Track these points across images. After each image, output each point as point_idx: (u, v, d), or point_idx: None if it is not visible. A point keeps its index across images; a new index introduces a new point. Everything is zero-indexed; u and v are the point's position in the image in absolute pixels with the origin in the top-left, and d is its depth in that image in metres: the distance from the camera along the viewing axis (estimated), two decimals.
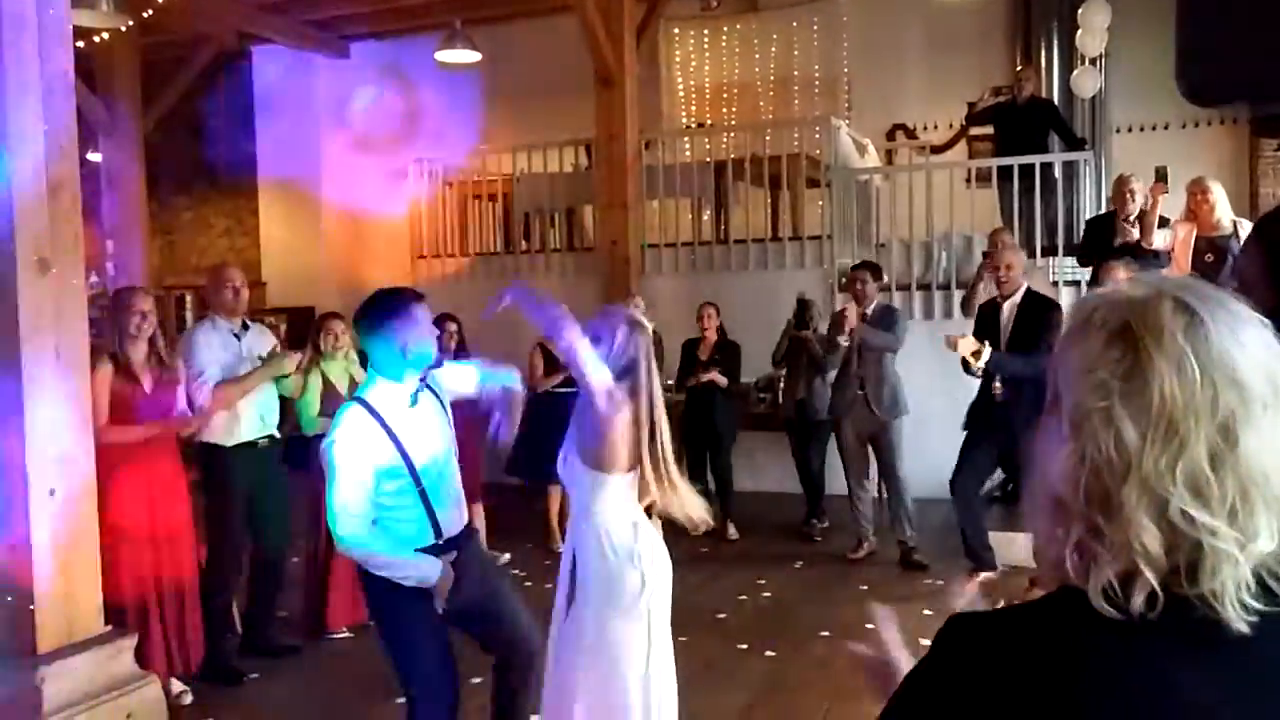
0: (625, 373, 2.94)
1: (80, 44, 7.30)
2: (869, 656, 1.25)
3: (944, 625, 0.92)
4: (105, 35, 7.54)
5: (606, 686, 2.88)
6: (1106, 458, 0.83)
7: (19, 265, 3.77)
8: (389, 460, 2.96)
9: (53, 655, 3.76)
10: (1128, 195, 6.56)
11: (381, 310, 3.02)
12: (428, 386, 3.14)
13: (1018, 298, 5.58)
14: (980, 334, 5.55)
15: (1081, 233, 7.34)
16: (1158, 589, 0.82)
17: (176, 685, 4.35)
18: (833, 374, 6.58)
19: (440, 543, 3.05)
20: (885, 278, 7.21)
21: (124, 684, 3.96)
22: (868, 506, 6.42)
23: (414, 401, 3.05)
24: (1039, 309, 5.52)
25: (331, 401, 5.15)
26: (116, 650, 3.99)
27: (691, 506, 3.04)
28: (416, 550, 3.00)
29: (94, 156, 9.65)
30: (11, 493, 3.77)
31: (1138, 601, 0.82)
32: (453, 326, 6.29)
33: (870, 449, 6.37)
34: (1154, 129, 10.11)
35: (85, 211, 9.57)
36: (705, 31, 10.52)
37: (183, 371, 4.49)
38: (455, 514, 3.13)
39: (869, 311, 6.29)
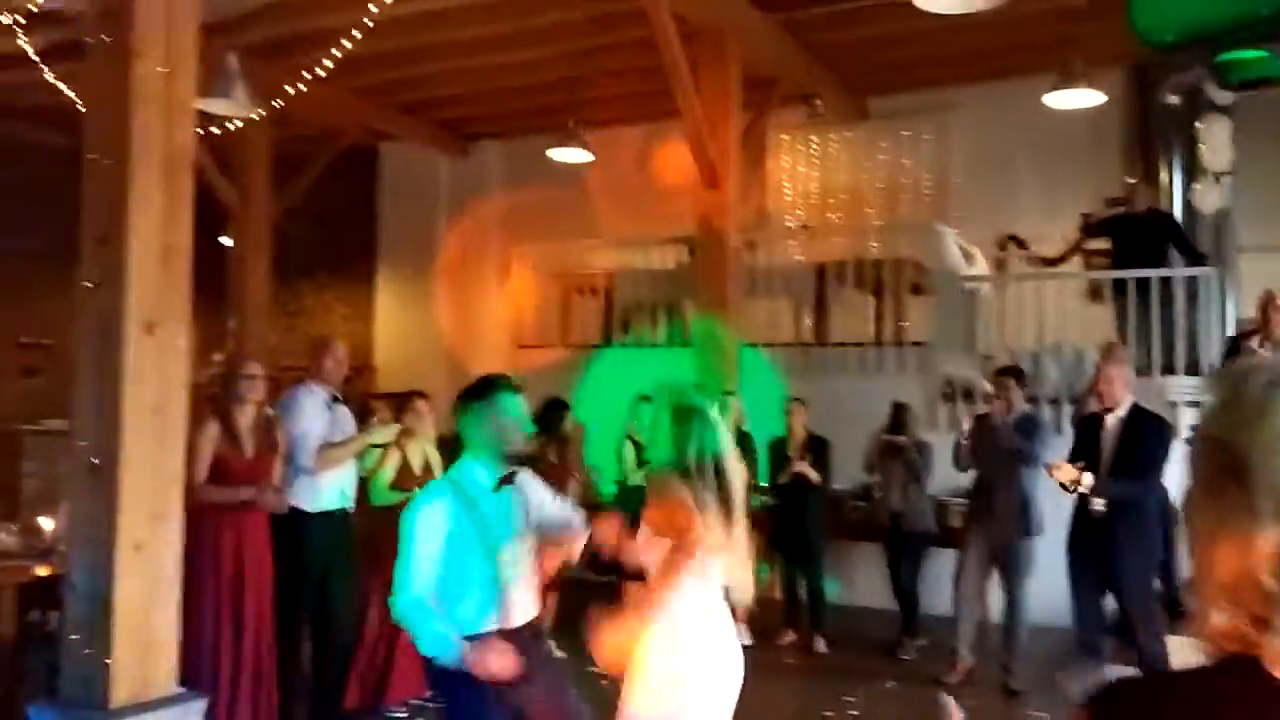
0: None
1: (215, 130, 7.77)
2: None
3: (1103, 689, 0.87)
4: (239, 124, 8.00)
5: None
6: None
7: (126, 323, 3.96)
8: (467, 538, 2.99)
9: (124, 711, 3.81)
10: (1272, 314, 6.27)
11: (473, 393, 3.16)
12: (513, 482, 3.17)
13: (1122, 413, 5.32)
14: (1080, 448, 5.34)
15: (1220, 351, 7.07)
16: None
17: None
18: (929, 481, 6.37)
19: (503, 629, 3.03)
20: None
21: None
22: (971, 626, 6.06)
23: (496, 487, 3.11)
24: (1147, 426, 5.27)
25: (405, 479, 5.25)
26: (185, 713, 4.02)
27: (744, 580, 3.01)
28: (481, 634, 2.98)
29: (225, 240, 10.15)
30: (100, 544, 3.88)
31: None
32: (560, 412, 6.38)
33: (995, 566, 6.02)
34: None
35: (213, 291, 10.02)
36: (813, 138, 10.62)
37: (283, 442, 4.62)
38: (523, 604, 3.14)
39: (1011, 419, 5.99)
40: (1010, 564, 5.90)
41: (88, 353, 4.07)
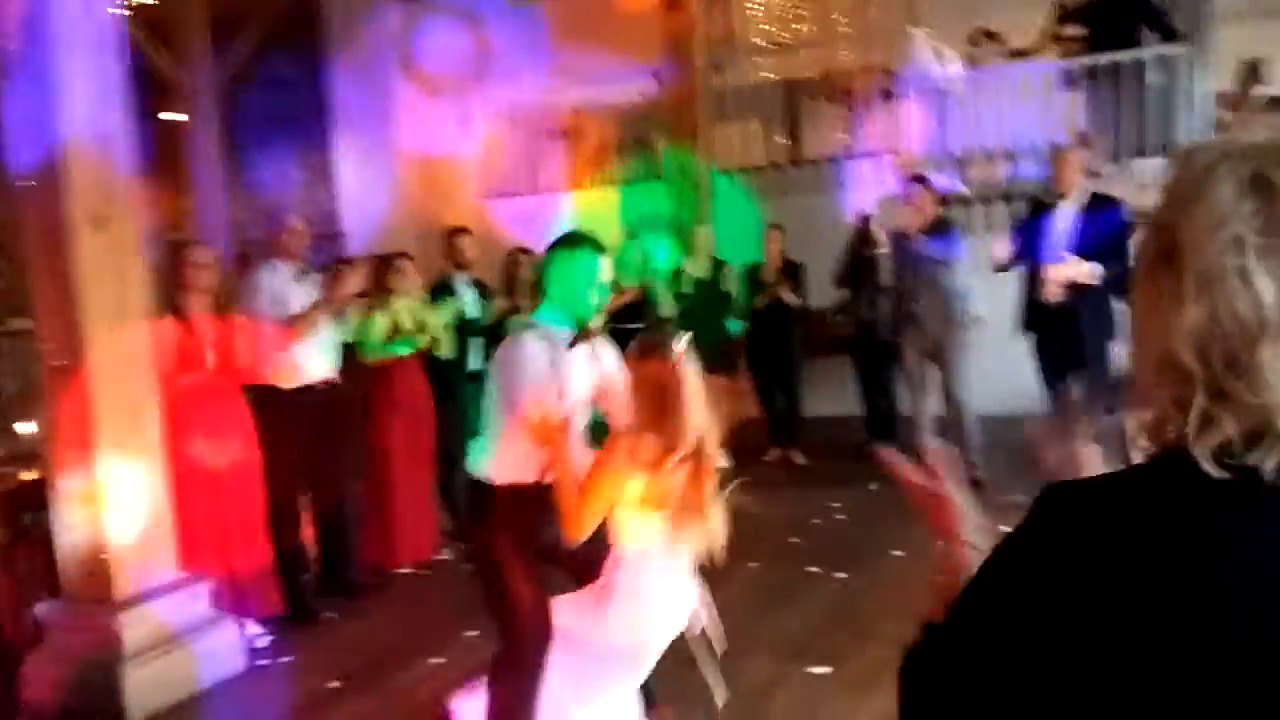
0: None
1: (147, 1, 7.39)
2: (919, 485, 1.24)
3: (1042, 492, 0.89)
4: None
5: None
6: (1240, 317, 0.78)
7: (74, 221, 3.83)
8: (544, 390, 2.91)
9: (129, 602, 3.89)
10: (1251, 86, 6.19)
11: (561, 244, 3.06)
12: (589, 340, 3.06)
13: (1080, 199, 5.36)
14: (1028, 234, 5.40)
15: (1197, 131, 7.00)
16: None
17: (253, 628, 4.46)
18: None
19: (543, 482, 2.95)
20: (962, 188, 6.96)
21: (199, 627, 4.09)
22: (926, 425, 6.27)
23: (572, 344, 3.01)
24: (1105, 211, 5.34)
25: (396, 337, 5.26)
26: (191, 595, 4.11)
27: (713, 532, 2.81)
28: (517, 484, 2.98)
29: (170, 116, 9.82)
30: (80, 445, 3.87)
31: (1269, 463, 0.78)
32: (525, 258, 6.35)
33: (934, 366, 6.22)
34: (1263, 16, 9.40)
35: (164, 171, 9.68)
36: None
37: (242, 319, 4.56)
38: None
39: (926, 225, 6.10)
40: (943, 363, 6.10)
41: (37, 254, 3.96)
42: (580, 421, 3.10)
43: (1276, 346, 0.77)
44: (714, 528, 2.80)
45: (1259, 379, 0.77)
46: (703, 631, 2.99)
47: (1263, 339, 0.77)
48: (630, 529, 2.79)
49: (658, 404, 2.73)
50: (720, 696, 3.13)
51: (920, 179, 6.35)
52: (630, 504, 2.75)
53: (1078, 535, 0.83)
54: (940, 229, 6.15)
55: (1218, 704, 0.76)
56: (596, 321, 3.02)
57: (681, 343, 2.81)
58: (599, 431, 3.09)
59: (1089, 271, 5.17)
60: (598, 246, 3.05)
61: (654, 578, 2.82)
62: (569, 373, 2.98)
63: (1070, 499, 0.87)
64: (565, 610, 2.97)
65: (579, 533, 2.73)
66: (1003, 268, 5.59)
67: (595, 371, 3.10)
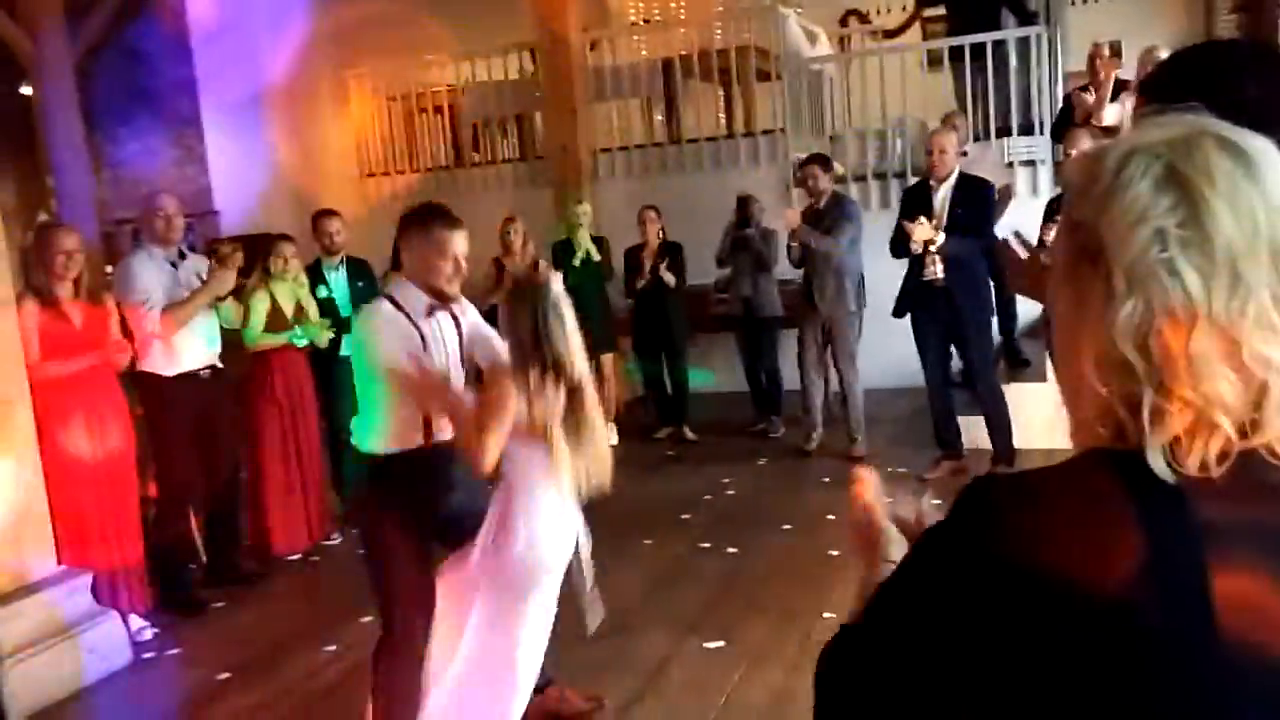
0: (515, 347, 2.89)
1: None
2: (855, 517, 1.23)
3: (969, 485, 0.88)
4: None
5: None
6: (1171, 310, 0.79)
7: None
8: (411, 352, 2.93)
9: (6, 599, 3.76)
10: (1099, 66, 6.49)
11: (413, 218, 3.06)
12: (446, 308, 3.08)
13: (952, 180, 5.59)
14: (909, 216, 5.59)
15: (1054, 111, 7.32)
16: (1233, 436, 0.79)
17: (136, 621, 4.34)
18: (778, 270, 6.65)
19: (428, 445, 3.01)
20: (838, 168, 7.15)
21: (82, 621, 3.97)
22: (816, 398, 6.47)
23: (429, 312, 3.03)
24: (974, 190, 5.59)
25: (277, 322, 5.15)
26: (71, 589, 3.99)
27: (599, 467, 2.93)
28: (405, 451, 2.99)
29: (26, 90, 9.34)
30: None
31: (1210, 454, 0.79)
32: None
33: (827, 342, 6.38)
34: None
35: (22, 148, 9.22)
36: None
37: (113, 304, 4.42)
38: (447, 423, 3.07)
39: (822, 205, 6.23)
40: (836, 341, 6.29)
41: None
42: (458, 379, 3.11)
43: (1208, 336, 0.79)
44: (600, 454, 2.91)
45: (1194, 370, 0.78)
46: (577, 556, 3.07)
47: (1194, 329, 0.78)
48: (517, 455, 2.86)
49: (533, 334, 2.82)
50: (593, 623, 3.17)
51: (817, 158, 6.44)
52: (516, 431, 2.82)
53: (1000, 532, 0.82)
54: (838, 208, 6.25)
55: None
56: (454, 291, 3.04)
57: (553, 275, 2.92)
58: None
59: (937, 239, 5.39)
60: (452, 221, 3.05)
61: (543, 499, 2.90)
62: (430, 336, 3.01)
63: (996, 494, 0.86)
64: (458, 562, 3.01)
65: (487, 461, 2.78)
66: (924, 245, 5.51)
67: (461, 330, 3.13)
